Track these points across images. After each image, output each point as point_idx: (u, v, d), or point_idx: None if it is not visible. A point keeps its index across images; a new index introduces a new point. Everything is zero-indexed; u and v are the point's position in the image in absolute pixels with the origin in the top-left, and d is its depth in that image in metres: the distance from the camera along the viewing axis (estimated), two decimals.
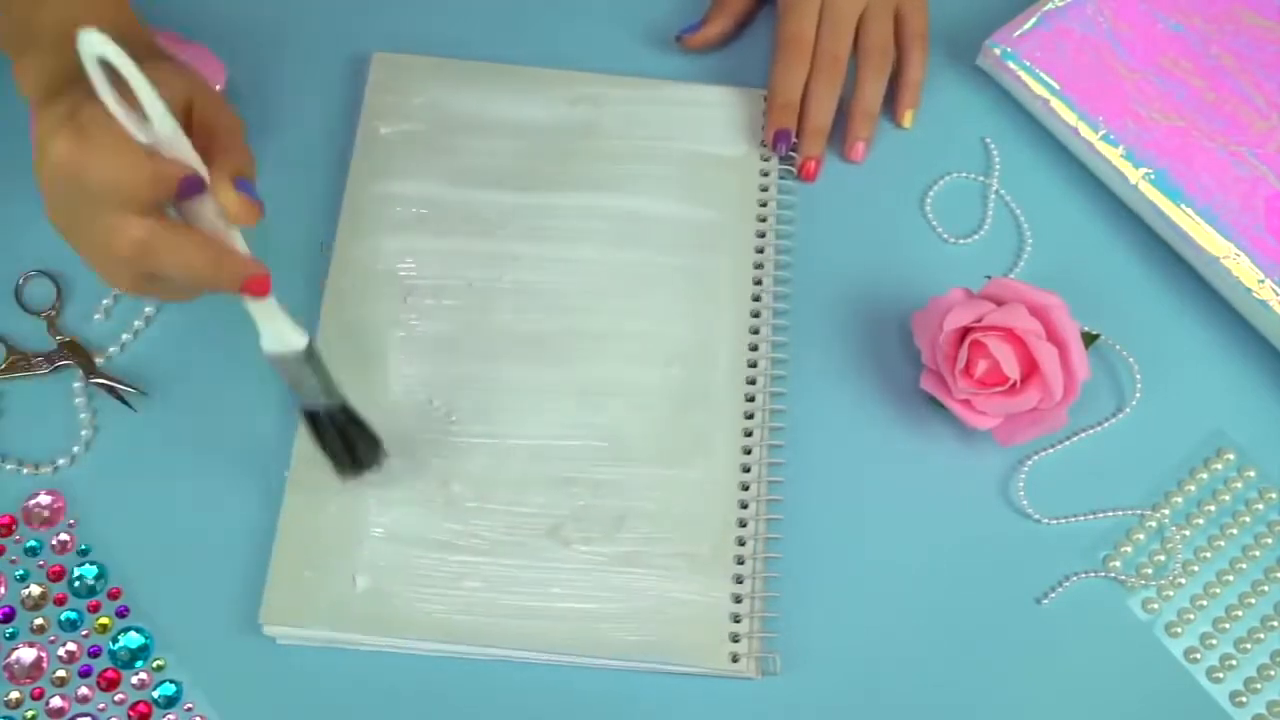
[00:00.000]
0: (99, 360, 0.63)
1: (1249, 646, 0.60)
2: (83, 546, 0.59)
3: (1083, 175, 0.70)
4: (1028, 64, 0.70)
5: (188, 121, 0.49)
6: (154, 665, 0.58)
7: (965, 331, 0.60)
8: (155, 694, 0.57)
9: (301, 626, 0.57)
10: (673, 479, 0.61)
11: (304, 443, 0.60)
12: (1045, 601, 0.61)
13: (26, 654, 0.58)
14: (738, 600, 0.59)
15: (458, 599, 0.58)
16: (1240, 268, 0.65)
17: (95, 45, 0.44)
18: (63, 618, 0.58)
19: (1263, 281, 0.64)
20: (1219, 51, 0.70)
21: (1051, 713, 0.59)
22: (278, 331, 0.53)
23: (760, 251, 0.66)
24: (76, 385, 0.62)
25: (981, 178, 0.70)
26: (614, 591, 0.58)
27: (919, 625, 0.60)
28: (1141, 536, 0.62)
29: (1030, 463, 0.63)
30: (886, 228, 0.69)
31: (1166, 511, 0.63)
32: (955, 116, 0.72)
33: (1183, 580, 0.61)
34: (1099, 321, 0.65)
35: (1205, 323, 0.67)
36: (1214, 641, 0.60)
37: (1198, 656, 0.60)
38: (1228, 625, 0.61)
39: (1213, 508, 0.63)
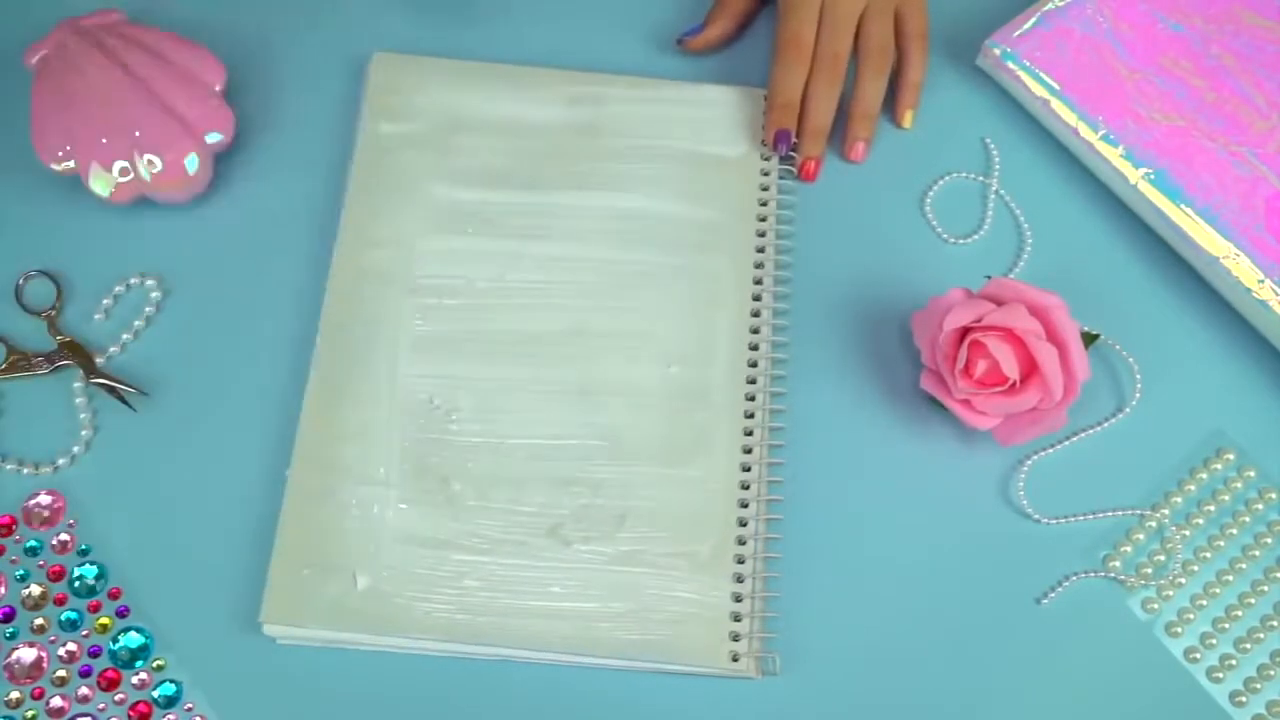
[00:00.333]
0: (99, 360, 0.63)
1: (1249, 646, 0.60)
2: (83, 546, 0.59)
3: (1082, 175, 0.70)
4: (1027, 64, 0.70)
5: None
6: (154, 665, 0.58)
7: (965, 331, 0.60)
8: (155, 694, 0.57)
9: (301, 626, 0.57)
10: (673, 479, 0.61)
11: (304, 443, 0.60)
12: (1045, 601, 0.61)
13: (27, 654, 0.58)
14: (738, 600, 0.59)
15: (458, 598, 0.58)
16: (1240, 268, 0.65)
17: None
18: (63, 618, 0.58)
19: (1263, 281, 0.64)
20: (1219, 51, 0.70)
21: (1051, 713, 0.59)
22: None
23: (760, 251, 0.66)
24: (76, 385, 0.62)
25: (981, 178, 0.70)
26: (614, 591, 0.58)
27: (919, 625, 0.60)
28: (1141, 536, 0.62)
29: (1030, 463, 0.63)
30: (886, 228, 0.69)
31: (1166, 511, 0.63)
32: (955, 116, 0.72)
33: (1183, 580, 0.61)
34: (1099, 321, 0.65)
35: (1205, 323, 0.67)
36: (1214, 641, 0.60)
37: (1198, 656, 0.60)
38: (1227, 625, 0.61)
39: (1213, 508, 0.63)
